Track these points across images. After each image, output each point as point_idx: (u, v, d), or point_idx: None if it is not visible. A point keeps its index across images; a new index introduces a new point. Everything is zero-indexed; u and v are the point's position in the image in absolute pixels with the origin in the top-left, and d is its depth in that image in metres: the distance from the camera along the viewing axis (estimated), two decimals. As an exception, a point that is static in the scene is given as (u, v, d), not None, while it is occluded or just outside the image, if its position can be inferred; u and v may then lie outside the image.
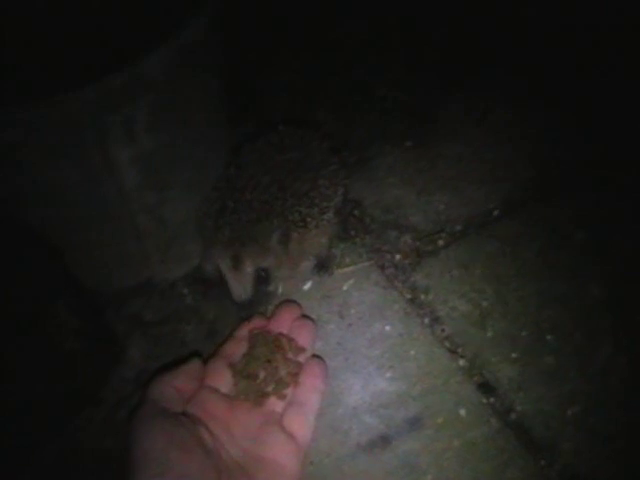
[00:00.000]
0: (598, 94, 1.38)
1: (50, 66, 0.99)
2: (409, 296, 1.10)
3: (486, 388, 0.98)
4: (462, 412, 0.95)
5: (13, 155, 0.81)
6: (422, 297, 1.09)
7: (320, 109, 1.47)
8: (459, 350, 1.02)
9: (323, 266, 1.12)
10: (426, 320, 1.06)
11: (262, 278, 0.96)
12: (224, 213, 0.94)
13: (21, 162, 0.83)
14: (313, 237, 1.02)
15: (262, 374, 0.88)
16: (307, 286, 1.12)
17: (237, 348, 0.92)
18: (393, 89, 1.50)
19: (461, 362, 1.01)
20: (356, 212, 1.23)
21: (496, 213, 1.21)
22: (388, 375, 1.00)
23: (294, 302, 1.01)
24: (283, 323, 0.95)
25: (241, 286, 0.95)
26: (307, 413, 0.86)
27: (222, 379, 0.88)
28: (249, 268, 0.94)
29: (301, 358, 0.91)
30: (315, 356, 0.94)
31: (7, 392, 0.86)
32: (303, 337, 0.93)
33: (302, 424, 0.84)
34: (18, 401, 0.88)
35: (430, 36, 1.62)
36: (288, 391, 0.87)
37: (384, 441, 0.93)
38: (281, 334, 0.92)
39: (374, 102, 1.48)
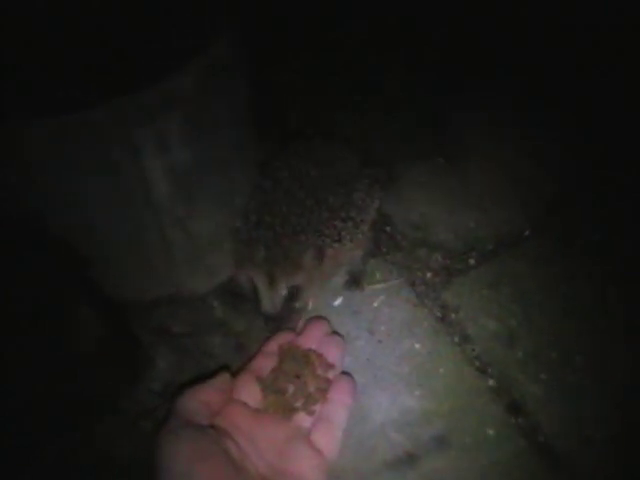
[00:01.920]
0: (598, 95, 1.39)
1: (51, 67, 1.00)
2: (439, 314, 1.10)
3: (514, 408, 0.98)
4: (490, 432, 0.95)
5: (45, 167, 0.83)
6: (452, 315, 1.09)
7: (339, 115, 1.49)
8: (488, 369, 1.02)
9: (354, 281, 1.13)
10: (456, 339, 1.06)
11: (292, 295, 0.97)
12: (259, 227, 0.94)
13: (53, 174, 0.84)
14: (347, 251, 1.02)
15: (291, 389, 0.88)
16: (337, 302, 1.12)
17: (266, 362, 0.92)
18: (403, 90, 1.52)
19: (490, 382, 1.01)
20: (387, 228, 1.24)
21: (527, 233, 1.21)
22: (416, 393, 1.00)
23: (323, 318, 1.01)
24: (312, 338, 0.95)
25: (272, 302, 0.96)
26: (335, 429, 0.85)
27: (250, 393, 0.88)
28: (282, 286, 0.95)
29: (330, 374, 0.91)
30: (344, 372, 0.94)
31: (25, 393, 0.87)
32: (332, 353, 0.93)
33: (329, 440, 0.84)
34: (37, 402, 0.89)
35: (430, 36, 1.63)
36: (316, 407, 0.87)
37: (410, 459, 0.93)
38: (310, 350, 0.92)
39: (390, 105, 1.50)
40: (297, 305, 1.00)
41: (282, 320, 0.98)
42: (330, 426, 0.85)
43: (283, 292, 0.96)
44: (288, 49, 1.61)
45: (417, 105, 1.50)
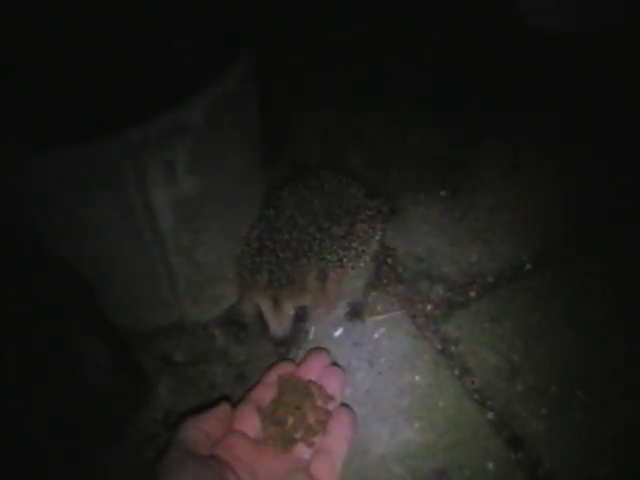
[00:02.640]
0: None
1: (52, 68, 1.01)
2: (439, 347, 1.10)
3: (514, 443, 0.97)
4: (489, 466, 0.95)
5: (49, 192, 0.83)
6: (452, 348, 1.09)
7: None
8: (488, 403, 1.02)
9: (355, 312, 1.13)
10: (456, 371, 1.06)
11: (300, 316, 1.00)
12: (262, 253, 0.95)
13: (57, 200, 0.85)
14: (349, 279, 1.03)
15: (290, 420, 0.88)
16: (338, 332, 1.12)
17: (266, 393, 0.91)
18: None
19: (490, 415, 1.00)
20: (389, 260, 1.24)
21: (528, 266, 1.21)
22: (416, 425, 0.99)
23: (324, 349, 1.01)
24: (312, 370, 0.94)
25: (280, 325, 0.98)
26: (334, 461, 0.85)
27: (250, 424, 0.88)
28: (288, 307, 0.97)
29: (330, 406, 0.91)
30: (344, 404, 0.94)
31: (33, 423, 0.87)
32: (332, 385, 0.93)
33: (329, 472, 0.84)
34: (44, 432, 0.89)
35: (430, 36, 1.64)
36: (316, 438, 0.87)
37: (410, 492, 0.92)
38: (310, 381, 0.92)
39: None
40: (304, 327, 1.03)
41: (290, 343, 1.01)
42: (330, 458, 0.85)
43: (290, 313, 0.98)
44: (288, 49, 1.62)
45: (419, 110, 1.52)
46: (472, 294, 1.17)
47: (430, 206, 1.35)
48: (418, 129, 1.52)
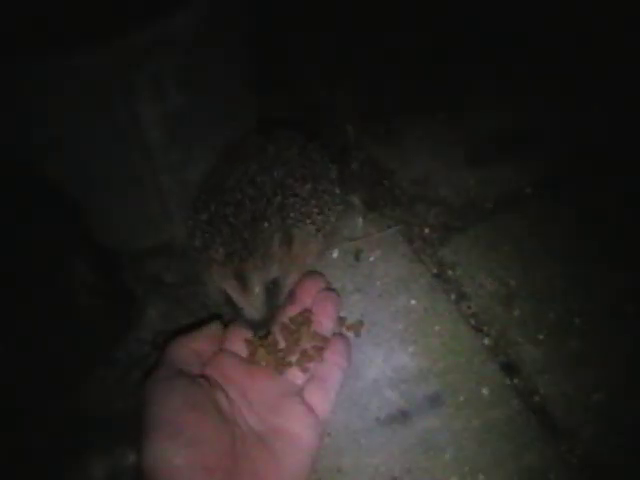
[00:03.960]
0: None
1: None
2: (436, 271, 1.08)
3: (510, 368, 0.97)
4: (484, 391, 0.94)
5: (32, 105, 0.82)
6: (449, 273, 1.08)
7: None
8: (484, 328, 1.01)
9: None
10: (452, 296, 1.05)
11: (272, 291, 0.86)
12: (213, 222, 0.84)
13: (43, 114, 0.83)
14: (315, 242, 0.95)
15: (282, 343, 0.88)
16: (334, 254, 1.10)
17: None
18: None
19: (486, 341, 0.99)
20: (385, 182, 1.22)
21: (528, 191, 1.19)
22: (411, 350, 0.98)
23: (318, 273, 0.99)
24: (307, 293, 0.93)
25: (252, 307, 0.85)
26: (328, 389, 0.85)
27: (242, 344, 0.87)
28: (256, 287, 0.84)
29: (327, 333, 0.90)
30: (339, 334, 0.94)
31: (20, 343, 0.85)
32: (327, 310, 0.92)
33: (323, 399, 0.84)
34: (28, 355, 0.87)
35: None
36: (311, 365, 0.86)
37: (403, 417, 0.92)
38: (308, 310, 0.91)
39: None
40: (279, 301, 0.89)
41: (268, 322, 0.87)
42: (324, 385, 0.85)
43: (260, 294, 0.84)
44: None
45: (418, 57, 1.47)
46: (470, 219, 1.16)
47: (428, 128, 1.32)
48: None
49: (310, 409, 0.82)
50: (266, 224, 0.83)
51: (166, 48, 0.83)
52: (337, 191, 0.97)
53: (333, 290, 0.99)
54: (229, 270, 0.82)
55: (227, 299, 0.86)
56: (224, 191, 0.86)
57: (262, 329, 0.86)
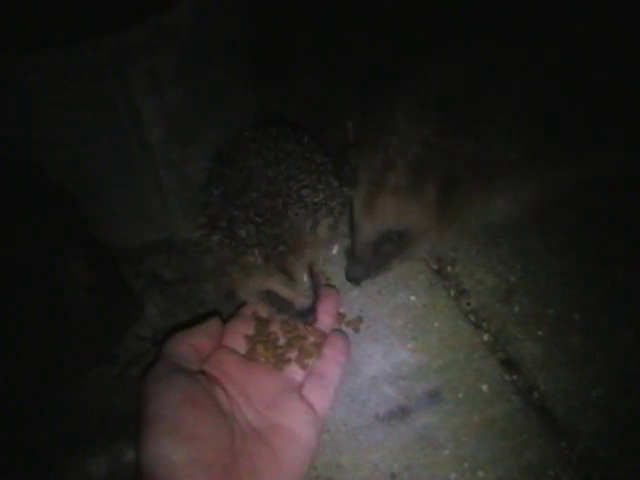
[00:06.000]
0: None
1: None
2: (435, 267, 1.08)
3: (509, 365, 0.96)
4: (483, 388, 0.94)
5: (33, 103, 0.81)
6: (448, 269, 1.07)
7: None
8: (484, 324, 1.01)
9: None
10: (452, 292, 1.05)
11: (312, 275, 0.87)
12: (234, 228, 0.82)
13: (42, 111, 0.82)
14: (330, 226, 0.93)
15: (282, 339, 0.88)
16: (334, 250, 1.09)
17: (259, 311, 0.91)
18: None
19: (485, 337, 0.99)
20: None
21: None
22: (410, 346, 0.98)
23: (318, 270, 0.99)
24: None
25: (303, 296, 0.86)
26: (327, 385, 0.85)
27: (241, 340, 0.87)
28: (304, 275, 0.85)
29: (326, 329, 0.90)
30: (338, 330, 0.94)
31: (16, 342, 0.85)
32: (326, 306, 0.91)
33: (322, 395, 0.84)
34: (27, 352, 0.87)
35: None
36: (310, 361, 0.86)
37: (402, 413, 0.92)
38: None
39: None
40: (318, 281, 0.89)
41: (315, 307, 0.88)
42: (322, 381, 0.85)
43: (307, 282, 0.85)
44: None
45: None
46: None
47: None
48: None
49: (309, 405, 0.81)
50: (296, 214, 0.83)
51: (163, 43, 0.83)
52: (336, 184, 0.96)
53: (332, 286, 0.99)
54: (271, 268, 0.82)
55: (271, 300, 0.87)
56: (235, 194, 0.84)
57: (313, 315, 0.87)
